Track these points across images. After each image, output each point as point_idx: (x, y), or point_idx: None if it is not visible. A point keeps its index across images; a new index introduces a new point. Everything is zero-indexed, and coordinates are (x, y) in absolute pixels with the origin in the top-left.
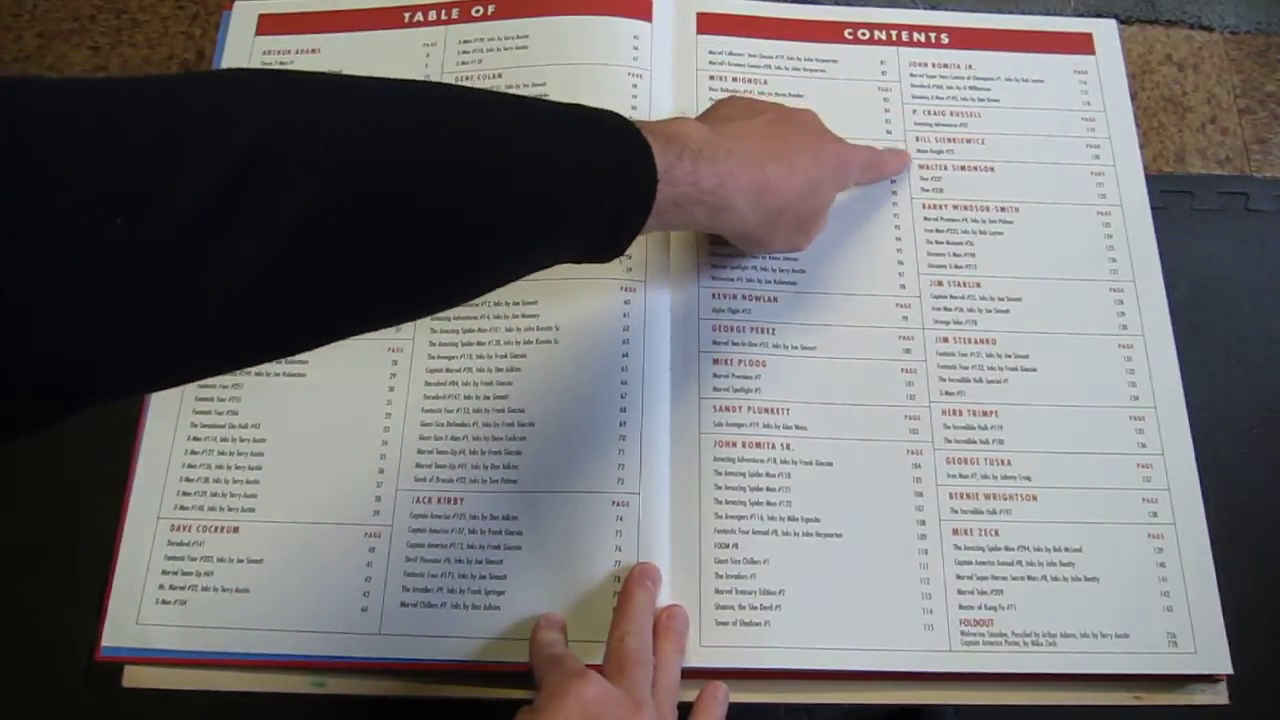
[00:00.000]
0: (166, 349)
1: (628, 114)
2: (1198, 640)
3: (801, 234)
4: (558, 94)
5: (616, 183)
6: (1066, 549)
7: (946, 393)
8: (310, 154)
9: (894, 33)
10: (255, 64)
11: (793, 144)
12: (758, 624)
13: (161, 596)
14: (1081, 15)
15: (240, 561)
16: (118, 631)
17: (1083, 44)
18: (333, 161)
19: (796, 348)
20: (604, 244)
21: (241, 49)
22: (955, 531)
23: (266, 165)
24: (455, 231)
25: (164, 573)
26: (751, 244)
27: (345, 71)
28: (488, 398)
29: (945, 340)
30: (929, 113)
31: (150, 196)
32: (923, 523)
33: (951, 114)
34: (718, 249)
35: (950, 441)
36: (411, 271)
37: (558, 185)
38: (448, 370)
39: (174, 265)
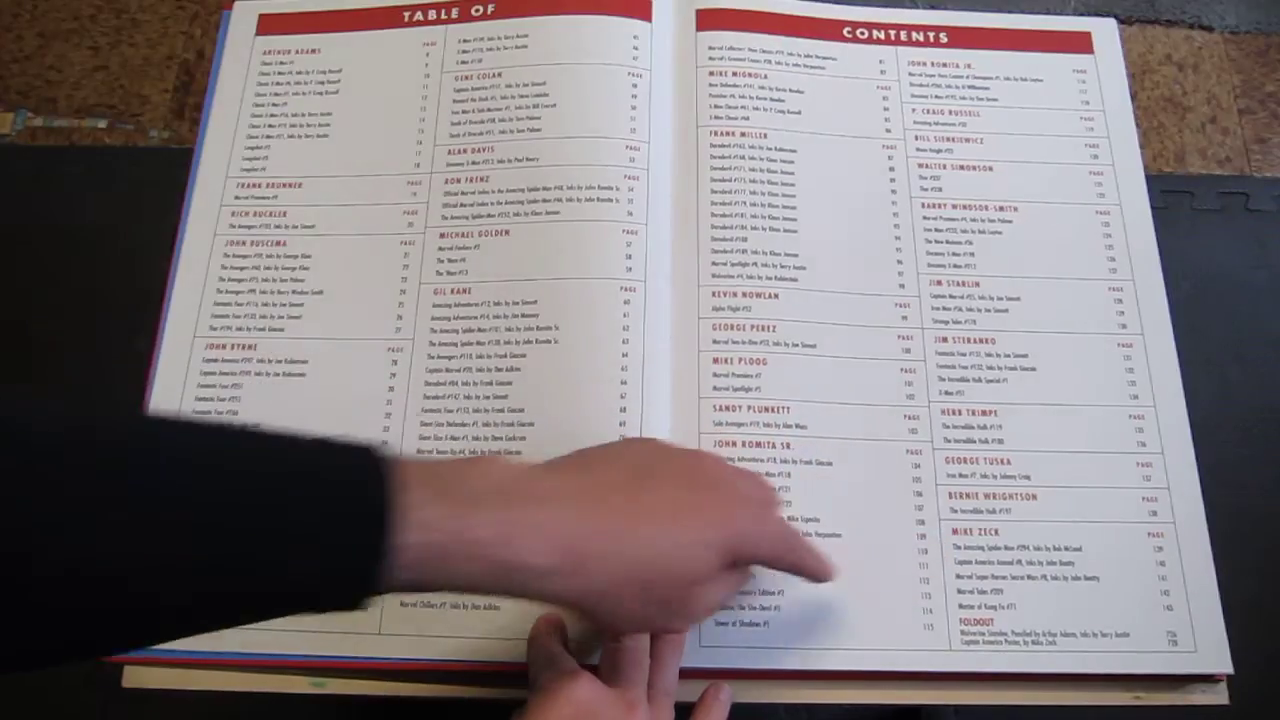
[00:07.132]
0: None
1: (627, 114)
2: (1198, 640)
3: (674, 616)
4: (557, 94)
5: (319, 526)
6: (1066, 548)
7: (946, 392)
8: None
9: (893, 32)
10: (255, 64)
11: (657, 492)
12: (757, 624)
13: None
14: (1081, 15)
15: None
16: None
17: (1082, 43)
18: None
19: (797, 346)
20: (322, 603)
21: (241, 49)
22: (955, 531)
23: None
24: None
25: None
26: (597, 617)
27: (345, 71)
28: (488, 398)
29: (944, 340)
30: (928, 112)
31: None
32: (922, 522)
33: (950, 113)
34: (718, 248)
35: (950, 441)
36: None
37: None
38: (448, 370)
39: None
